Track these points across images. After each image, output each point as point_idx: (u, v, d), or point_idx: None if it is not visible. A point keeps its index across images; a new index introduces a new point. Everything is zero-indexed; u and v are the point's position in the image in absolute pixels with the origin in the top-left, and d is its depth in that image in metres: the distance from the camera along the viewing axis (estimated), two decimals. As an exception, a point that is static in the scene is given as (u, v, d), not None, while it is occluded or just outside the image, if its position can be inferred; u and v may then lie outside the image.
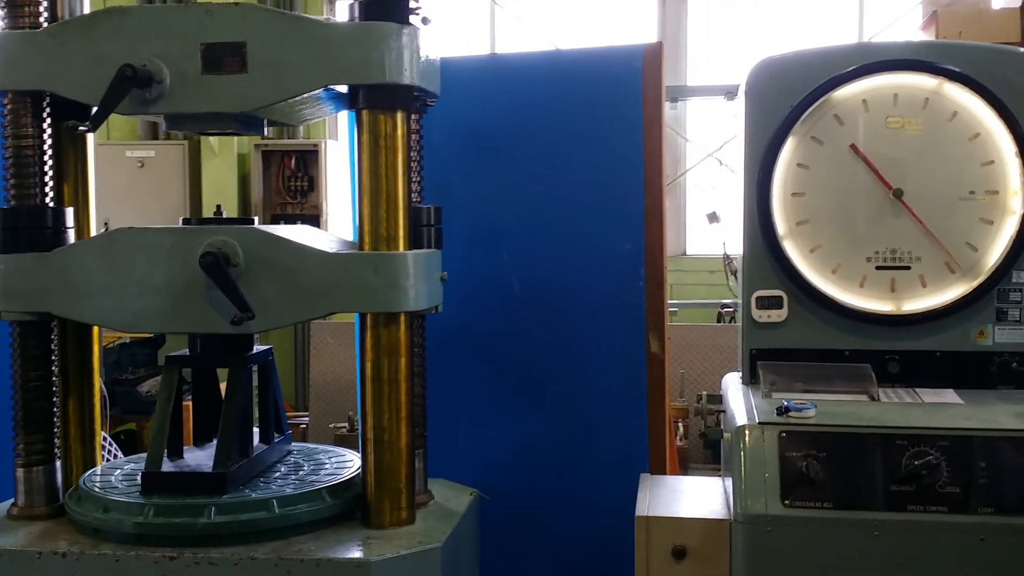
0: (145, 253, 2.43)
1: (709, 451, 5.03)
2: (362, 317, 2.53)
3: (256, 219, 2.65)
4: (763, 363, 2.73)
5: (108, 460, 2.86)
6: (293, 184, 7.67)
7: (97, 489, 2.49)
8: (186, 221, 2.58)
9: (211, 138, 7.55)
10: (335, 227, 7.61)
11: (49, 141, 2.56)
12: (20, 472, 2.57)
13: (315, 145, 7.74)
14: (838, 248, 2.75)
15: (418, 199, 2.70)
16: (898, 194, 2.72)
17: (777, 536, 2.28)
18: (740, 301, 2.84)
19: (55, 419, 2.63)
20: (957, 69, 2.69)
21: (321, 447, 3.00)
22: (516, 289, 3.37)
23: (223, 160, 7.80)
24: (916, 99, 2.73)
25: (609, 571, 3.21)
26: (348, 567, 2.30)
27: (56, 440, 2.64)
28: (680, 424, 4.90)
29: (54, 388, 2.62)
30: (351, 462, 2.75)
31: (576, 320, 3.34)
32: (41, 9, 2.53)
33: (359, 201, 2.50)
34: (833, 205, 2.75)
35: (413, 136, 2.63)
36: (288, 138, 7.96)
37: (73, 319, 2.55)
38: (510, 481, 3.29)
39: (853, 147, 2.72)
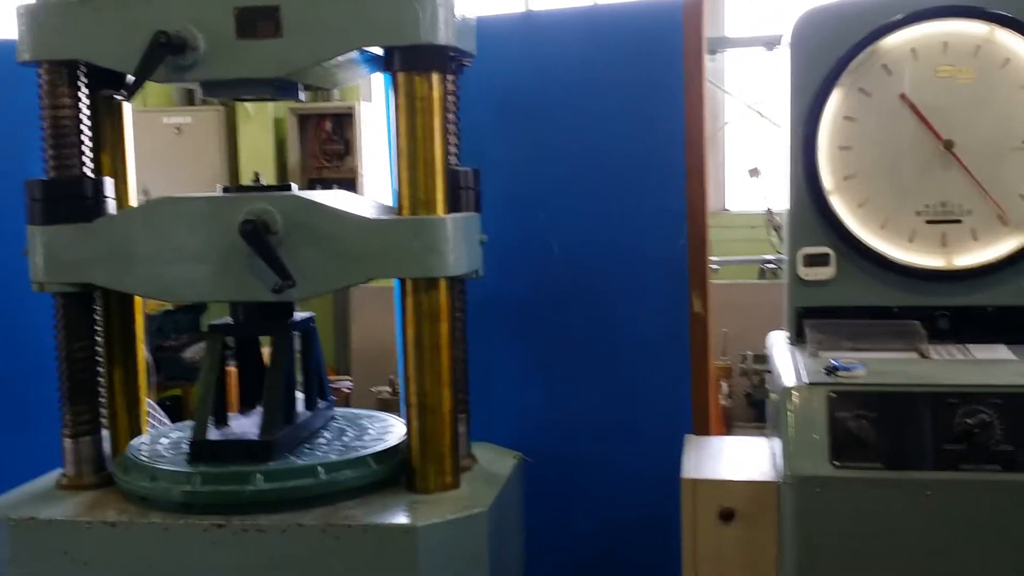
0: (185, 222, 2.43)
1: (753, 410, 4.99)
2: (402, 282, 2.51)
3: (294, 185, 2.63)
4: (810, 322, 2.68)
5: (154, 427, 2.88)
6: (329, 148, 7.64)
7: (144, 458, 2.51)
8: (226, 189, 2.57)
9: (247, 103, 7.54)
10: (372, 190, 7.59)
11: (86, 111, 2.56)
12: (68, 443, 2.60)
13: (350, 108, 7.70)
14: (887, 202, 2.68)
15: (456, 161, 2.66)
16: (948, 145, 2.64)
17: (827, 497, 2.25)
18: (785, 258, 2.79)
19: (100, 389, 2.65)
20: (1010, 14, 2.59)
21: (364, 412, 3.00)
22: (555, 251, 3.34)
23: (259, 125, 7.79)
24: (967, 47, 2.64)
25: (654, 534, 3.18)
26: (395, 532, 2.30)
27: (102, 410, 2.66)
28: (724, 383, 4.86)
29: (98, 359, 2.64)
30: (394, 427, 2.75)
31: (617, 280, 3.29)
32: (74, -24, 2.51)
33: (396, 165, 2.48)
34: (881, 158, 2.68)
35: (449, 98, 2.59)
36: (323, 101, 7.93)
37: (116, 289, 2.56)
38: (552, 445, 3.27)
39: (903, 97, 2.64)
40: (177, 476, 2.39)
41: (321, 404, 2.81)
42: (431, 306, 2.47)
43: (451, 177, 2.52)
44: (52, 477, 2.65)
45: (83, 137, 2.54)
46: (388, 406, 4.67)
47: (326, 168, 7.62)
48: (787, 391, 2.34)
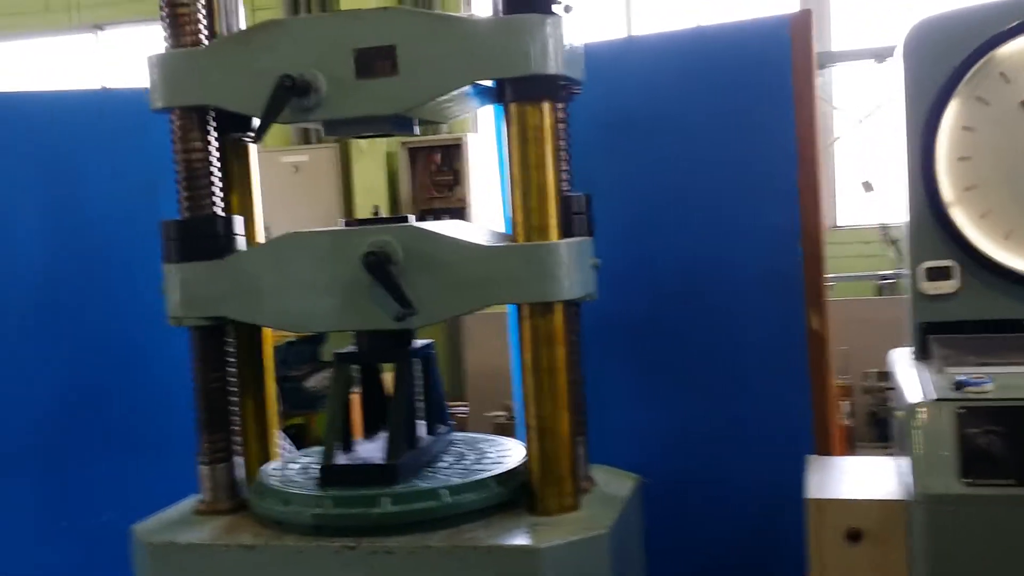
0: (310, 256, 2.52)
1: (876, 429, 4.87)
2: (519, 308, 2.56)
3: (411, 217, 2.71)
4: (934, 337, 2.63)
5: (283, 455, 2.98)
6: (439, 179, 7.80)
7: (277, 483, 2.60)
8: (347, 223, 2.67)
9: (360, 140, 7.75)
10: (480, 219, 7.70)
11: (216, 153, 2.68)
12: (204, 469, 2.71)
13: (458, 139, 7.85)
14: (1010, 212, 2.62)
15: (567, 187, 2.70)
16: (1071, 153, 2.57)
17: (959, 516, 2.19)
18: (906, 272, 2.74)
19: (234, 418, 2.76)
20: None
21: (482, 436, 3.05)
22: (667, 271, 3.35)
23: (372, 160, 8.00)
24: (1087, 51, 2.57)
25: (776, 554, 3.15)
26: (519, 554, 2.34)
27: (235, 438, 2.77)
28: (845, 402, 4.76)
29: (231, 388, 2.75)
30: (513, 450, 2.79)
31: (730, 299, 3.29)
32: (201, 27, 2.64)
33: (510, 193, 2.53)
34: (1002, 168, 2.62)
35: (560, 125, 2.63)
36: (433, 134, 8.10)
37: (247, 322, 2.67)
38: (670, 466, 3.27)
39: (1023, 105, 2.58)
40: (308, 500, 2.47)
41: (441, 429, 2.87)
42: (547, 330, 2.51)
43: (564, 203, 2.56)
44: (189, 503, 2.76)
45: (213, 178, 2.67)
46: (504, 430, 4.71)
47: (436, 199, 7.77)
48: (913, 408, 2.29)
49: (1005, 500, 2.19)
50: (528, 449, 2.57)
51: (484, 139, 7.65)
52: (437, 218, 2.91)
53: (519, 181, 2.49)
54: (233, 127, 2.72)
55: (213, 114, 2.66)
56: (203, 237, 2.61)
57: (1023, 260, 2.62)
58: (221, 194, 2.70)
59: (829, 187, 8.14)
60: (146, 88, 2.65)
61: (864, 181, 6.80)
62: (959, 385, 2.30)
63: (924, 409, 2.28)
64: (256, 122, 2.60)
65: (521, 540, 2.37)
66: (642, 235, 3.35)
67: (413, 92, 2.45)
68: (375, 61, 2.43)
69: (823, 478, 2.60)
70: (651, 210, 3.35)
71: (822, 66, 7.08)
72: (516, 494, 2.58)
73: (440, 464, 2.72)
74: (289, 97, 2.45)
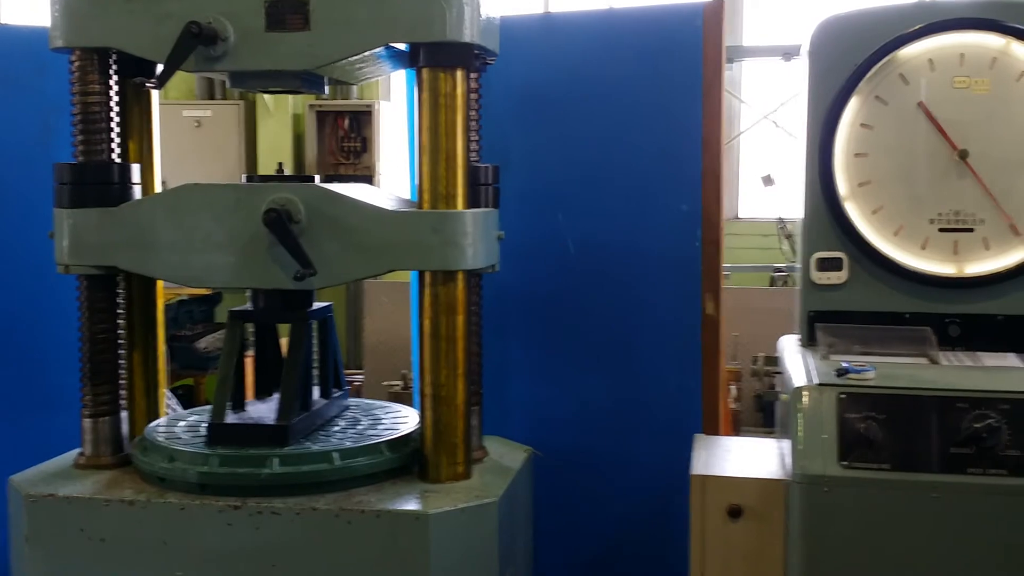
0: (210, 209, 2.47)
1: (761, 414, 5.02)
2: (420, 275, 2.55)
3: (316, 177, 2.67)
4: (821, 325, 2.72)
5: (171, 413, 2.92)
6: (347, 145, 7.70)
7: (162, 439, 2.55)
8: (249, 179, 2.62)
9: (267, 98, 7.59)
10: (388, 187, 7.63)
11: (116, 98, 2.60)
12: (87, 422, 2.65)
13: (369, 106, 7.75)
14: (901, 209, 2.72)
15: (476, 158, 2.70)
16: (963, 155, 2.67)
17: (834, 497, 2.28)
18: (798, 263, 2.82)
19: (121, 371, 2.70)
20: (1026, 27, 2.63)
21: (378, 403, 3.04)
22: (571, 249, 3.38)
23: (278, 120, 7.86)
24: (983, 59, 2.67)
25: (661, 529, 3.23)
26: (407, 519, 2.34)
27: (122, 392, 2.70)
28: (733, 387, 4.90)
29: (120, 341, 2.68)
30: (407, 418, 2.80)
31: (631, 280, 3.33)
32: (107, -34, 2.55)
33: (418, 159, 2.52)
34: (896, 166, 2.72)
35: (472, 95, 2.63)
36: (342, 99, 7.97)
37: (140, 273, 2.60)
38: (564, 440, 3.31)
39: (921, 106, 2.68)
40: (194, 457, 2.44)
41: (336, 393, 2.86)
42: (448, 298, 2.51)
43: (471, 173, 2.56)
44: (70, 456, 2.69)
45: (111, 123, 2.59)
46: (400, 400, 4.70)
47: (343, 165, 7.67)
48: (797, 391, 2.37)
49: (880, 484, 2.28)
50: (422, 416, 2.57)
51: (396, 107, 7.58)
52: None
53: (428, 148, 2.48)
54: (135, 71, 2.64)
55: (115, 57, 2.57)
56: (97, 183, 2.54)
57: (911, 256, 2.72)
58: (119, 140, 2.62)
59: (733, 179, 8.31)
60: (42, 27, 2.55)
61: (765, 175, 6.97)
62: (842, 372, 2.39)
63: (807, 393, 2.36)
64: (160, 68, 2.52)
65: (410, 506, 2.38)
66: (549, 211, 3.37)
67: (324, 49, 2.41)
68: (286, 14, 2.39)
69: (708, 456, 2.67)
70: (558, 187, 3.37)
71: (732, 60, 7.21)
72: (409, 460, 2.59)
73: (333, 428, 2.71)
74: (195, 45, 2.39)
